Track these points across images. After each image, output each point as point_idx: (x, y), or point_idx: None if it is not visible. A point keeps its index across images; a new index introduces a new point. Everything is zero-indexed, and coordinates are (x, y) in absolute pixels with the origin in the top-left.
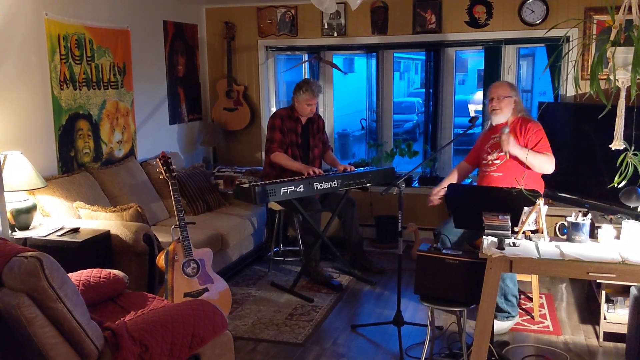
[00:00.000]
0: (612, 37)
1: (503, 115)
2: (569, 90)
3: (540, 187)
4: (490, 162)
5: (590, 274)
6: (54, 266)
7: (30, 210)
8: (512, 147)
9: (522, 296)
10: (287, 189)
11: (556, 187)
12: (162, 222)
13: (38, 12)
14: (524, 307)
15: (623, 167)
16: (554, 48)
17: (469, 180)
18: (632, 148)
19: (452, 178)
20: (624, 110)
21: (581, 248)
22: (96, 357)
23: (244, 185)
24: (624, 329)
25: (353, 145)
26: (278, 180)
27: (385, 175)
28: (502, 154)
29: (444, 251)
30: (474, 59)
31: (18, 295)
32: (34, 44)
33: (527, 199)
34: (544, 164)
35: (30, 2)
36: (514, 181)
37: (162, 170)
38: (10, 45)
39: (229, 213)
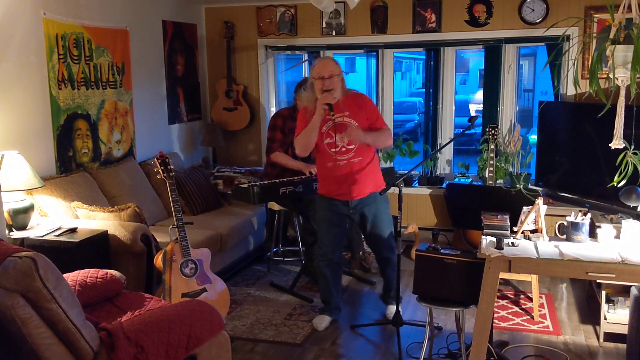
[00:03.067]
0: (611, 36)
1: (337, 93)
2: (569, 89)
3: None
4: (344, 149)
5: (589, 274)
6: (49, 266)
7: (28, 210)
8: (364, 137)
9: (522, 296)
10: (286, 188)
11: (556, 187)
12: (161, 222)
13: (36, 12)
14: (523, 307)
15: (623, 166)
16: (554, 47)
17: (469, 180)
18: (632, 147)
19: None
20: (623, 109)
21: (580, 248)
22: (91, 358)
23: (243, 185)
24: (624, 330)
25: None
26: (277, 180)
27: (385, 175)
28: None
29: (442, 251)
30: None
31: (12, 295)
32: (32, 43)
33: (527, 198)
34: (387, 139)
35: (28, 2)
36: (374, 167)
37: (160, 170)
38: (8, 44)
39: (228, 213)
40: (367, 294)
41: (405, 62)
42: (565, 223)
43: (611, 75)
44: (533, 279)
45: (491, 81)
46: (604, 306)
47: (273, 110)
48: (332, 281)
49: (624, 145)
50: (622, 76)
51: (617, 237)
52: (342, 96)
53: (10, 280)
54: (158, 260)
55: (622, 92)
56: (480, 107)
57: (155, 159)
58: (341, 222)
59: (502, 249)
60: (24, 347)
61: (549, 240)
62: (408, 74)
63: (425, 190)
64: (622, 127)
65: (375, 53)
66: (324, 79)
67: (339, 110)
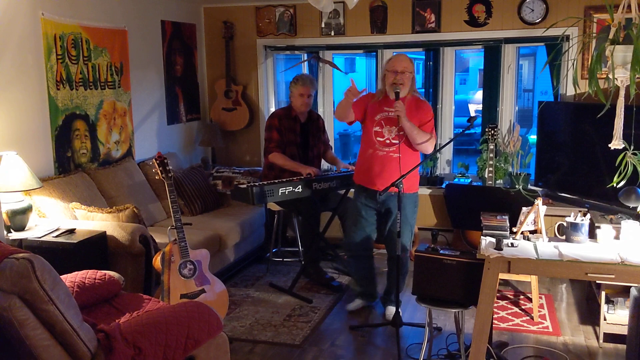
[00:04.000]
0: (611, 36)
1: (404, 91)
2: (568, 90)
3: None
4: (388, 141)
5: (589, 274)
6: (46, 268)
7: (26, 211)
8: (406, 119)
9: (522, 296)
10: (285, 189)
11: (556, 187)
12: (160, 222)
13: (34, 12)
14: (523, 307)
15: (622, 166)
16: (554, 47)
17: (469, 181)
18: (632, 147)
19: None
20: (623, 110)
21: (580, 248)
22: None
23: (242, 186)
24: (624, 330)
25: (354, 145)
26: (276, 181)
27: None
28: (401, 133)
29: (441, 252)
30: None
31: (9, 297)
32: (30, 43)
33: (526, 199)
34: (428, 144)
35: (26, 2)
36: (410, 164)
37: (159, 171)
38: (6, 45)
39: (227, 214)
40: None
41: None
42: (564, 224)
43: (611, 76)
44: (533, 279)
45: (491, 81)
46: (604, 307)
47: (272, 110)
48: (360, 271)
49: (623, 145)
50: (621, 76)
51: (617, 237)
52: (408, 94)
53: (7, 282)
54: (157, 261)
55: (622, 93)
56: (480, 107)
57: (154, 160)
58: (369, 216)
59: (502, 249)
60: (21, 348)
61: (549, 240)
62: None
63: (425, 191)
64: (622, 128)
65: (374, 53)
66: (397, 72)
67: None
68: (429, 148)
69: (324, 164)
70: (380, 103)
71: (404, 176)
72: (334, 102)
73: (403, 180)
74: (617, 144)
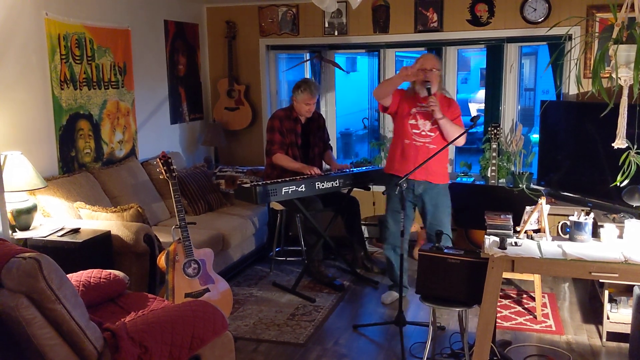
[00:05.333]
0: (614, 35)
1: (434, 88)
2: (571, 89)
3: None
4: (424, 133)
5: (592, 273)
6: (53, 267)
7: (31, 210)
8: (440, 113)
9: (525, 295)
10: (289, 188)
11: (559, 186)
12: (164, 222)
13: (38, 12)
14: (526, 306)
15: (626, 165)
16: (556, 46)
17: (472, 180)
18: (635, 147)
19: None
20: (626, 109)
21: (583, 247)
22: (95, 359)
23: (245, 185)
24: (627, 329)
25: (355, 144)
26: (279, 180)
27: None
28: (435, 126)
29: (445, 251)
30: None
31: (17, 296)
32: (34, 43)
33: (530, 198)
34: (461, 138)
35: (30, 2)
36: (443, 161)
37: (163, 170)
38: (10, 45)
39: (230, 213)
40: (369, 293)
41: (405, 61)
42: (568, 223)
43: (614, 75)
44: (536, 278)
45: (493, 80)
46: (607, 306)
47: (274, 109)
48: (396, 264)
49: (626, 144)
50: (624, 76)
51: (620, 236)
52: (437, 91)
53: (14, 281)
54: (161, 260)
55: (625, 92)
56: (481, 106)
57: (158, 159)
58: (407, 209)
59: (505, 248)
60: (29, 347)
61: (552, 240)
62: None
63: None
64: (625, 127)
65: (376, 52)
66: (425, 70)
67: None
68: (461, 141)
69: (324, 164)
70: (413, 99)
71: (408, 173)
72: (336, 102)
73: (436, 170)
74: (620, 143)
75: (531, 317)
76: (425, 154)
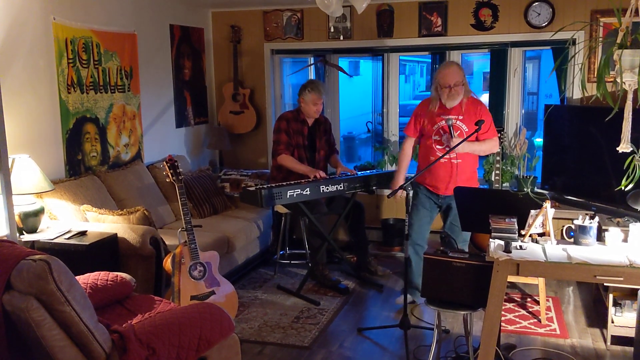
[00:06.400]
0: (618, 40)
1: (458, 99)
2: (575, 93)
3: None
4: (448, 149)
5: (597, 277)
6: (62, 269)
7: (38, 213)
8: (467, 147)
9: (529, 299)
10: (294, 191)
11: (563, 190)
12: (169, 225)
13: (46, 16)
14: (530, 310)
15: (630, 169)
16: (560, 51)
17: None
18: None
19: (405, 163)
20: (631, 113)
21: (588, 251)
22: None
23: (250, 188)
24: (631, 333)
25: (359, 148)
26: (284, 183)
27: (391, 178)
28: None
29: (450, 254)
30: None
31: (26, 298)
32: (41, 48)
33: (534, 201)
34: (492, 148)
35: (38, 7)
36: (471, 170)
37: (169, 174)
38: (18, 49)
39: (235, 216)
40: (374, 297)
41: (409, 65)
42: (572, 226)
43: (618, 80)
44: (540, 282)
45: (497, 85)
46: (611, 309)
47: (279, 113)
48: (416, 265)
49: (631, 149)
50: (629, 80)
51: (625, 240)
52: (464, 98)
53: (24, 283)
54: (167, 263)
55: (630, 96)
56: None
57: (165, 163)
58: (431, 209)
59: (510, 252)
60: (38, 349)
61: (557, 243)
62: (412, 77)
63: None
64: (630, 131)
65: (380, 57)
66: (450, 87)
67: (456, 113)
68: (494, 150)
69: (329, 168)
70: (437, 113)
71: (412, 177)
72: (339, 105)
73: (464, 180)
74: (625, 147)
75: (535, 320)
76: (449, 169)
